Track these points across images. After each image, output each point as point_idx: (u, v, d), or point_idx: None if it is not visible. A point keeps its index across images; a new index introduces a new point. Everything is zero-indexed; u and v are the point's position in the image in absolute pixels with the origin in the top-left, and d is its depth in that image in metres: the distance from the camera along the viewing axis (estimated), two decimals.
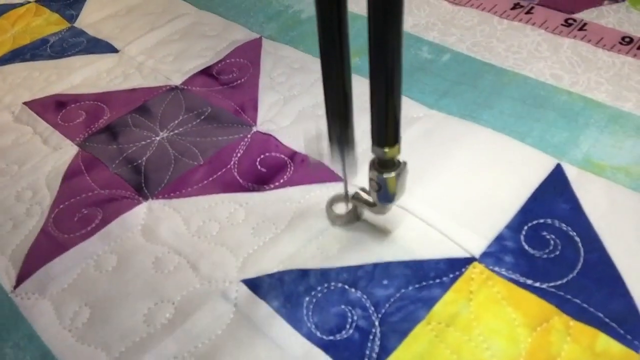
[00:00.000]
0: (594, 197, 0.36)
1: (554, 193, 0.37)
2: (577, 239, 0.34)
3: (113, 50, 0.56)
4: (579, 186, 0.37)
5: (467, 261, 0.33)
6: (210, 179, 0.41)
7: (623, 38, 0.48)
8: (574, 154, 0.39)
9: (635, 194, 0.36)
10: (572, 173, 0.37)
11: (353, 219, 0.36)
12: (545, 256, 0.33)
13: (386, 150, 0.29)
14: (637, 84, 0.43)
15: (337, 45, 0.27)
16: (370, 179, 0.31)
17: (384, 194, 0.31)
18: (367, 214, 0.36)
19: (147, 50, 0.55)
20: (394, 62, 0.25)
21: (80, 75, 0.53)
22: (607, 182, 0.36)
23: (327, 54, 0.28)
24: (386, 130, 0.28)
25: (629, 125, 0.40)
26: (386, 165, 0.30)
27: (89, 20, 0.62)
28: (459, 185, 0.37)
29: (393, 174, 0.30)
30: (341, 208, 0.37)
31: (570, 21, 0.50)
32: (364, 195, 0.34)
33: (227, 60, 0.52)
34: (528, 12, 0.52)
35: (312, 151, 0.34)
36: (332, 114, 0.30)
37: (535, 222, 0.35)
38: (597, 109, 0.41)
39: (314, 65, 0.50)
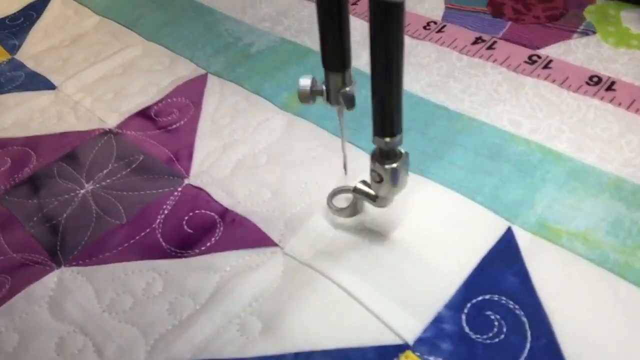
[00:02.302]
0: (547, 269, 0.32)
1: (503, 263, 0.33)
2: (525, 319, 0.30)
3: (50, 86, 0.53)
4: (531, 256, 0.33)
5: (398, 349, 0.30)
6: (132, 241, 0.37)
7: (591, 77, 0.44)
8: (527, 215, 0.35)
9: (592, 267, 0.32)
10: (524, 239, 0.34)
11: (354, 211, 0.35)
12: (488, 341, 0.30)
13: (387, 140, 0.28)
14: (602, 131, 0.40)
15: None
16: (372, 170, 0.31)
17: (386, 185, 0.30)
18: (367, 206, 0.35)
19: (86, 87, 0.52)
20: (396, 52, 0.25)
21: (13, 116, 0.50)
22: (562, 252, 0.33)
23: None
24: (387, 120, 0.28)
25: (590, 182, 0.36)
26: (388, 156, 0.30)
27: (31, 51, 0.58)
28: (397, 254, 0.34)
29: (395, 165, 0.29)
30: (342, 201, 0.36)
31: (534, 58, 0.47)
32: (365, 188, 0.33)
33: (169, 100, 0.49)
34: (490, 48, 0.48)
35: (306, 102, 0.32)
36: (330, 65, 0.30)
37: (480, 298, 0.32)
38: (556, 162, 0.38)
39: (260, 106, 0.46)
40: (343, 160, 0.37)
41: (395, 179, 0.30)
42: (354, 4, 0.56)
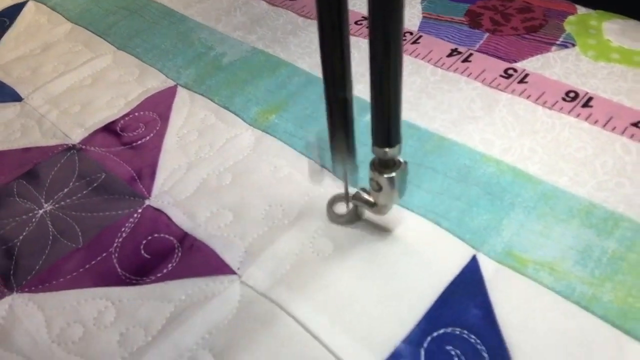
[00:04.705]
0: (511, 301, 0.31)
1: (466, 294, 0.32)
2: (486, 355, 0.29)
3: (17, 98, 0.51)
4: (495, 286, 0.32)
5: None
6: (87, 266, 0.36)
7: (567, 93, 0.43)
8: (494, 243, 0.34)
9: (558, 300, 0.31)
10: (488, 269, 0.32)
11: (353, 218, 0.35)
12: None
13: (387, 150, 0.29)
14: (576, 152, 0.38)
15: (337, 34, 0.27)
16: (371, 179, 0.31)
17: (385, 195, 0.31)
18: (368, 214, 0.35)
19: (53, 100, 0.51)
20: (395, 62, 0.26)
21: None
22: (528, 283, 0.32)
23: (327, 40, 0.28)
24: (387, 130, 0.28)
25: (560, 207, 0.35)
26: (387, 165, 0.30)
27: (1, 60, 0.57)
28: (357, 284, 0.32)
29: (394, 174, 0.30)
30: (342, 208, 0.36)
31: (510, 72, 0.45)
32: (365, 195, 0.33)
33: (136, 114, 0.47)
34: (465, 60, 0.47)
35: (314, 157, 0.35)
36: (332, 121, 0.30)
37: (441, 331, 0.30)
38: (527, 185, 0.36)
39: (229, 122, 0.45)
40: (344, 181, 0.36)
41: (394, 188, 0.31)
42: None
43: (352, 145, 0.31)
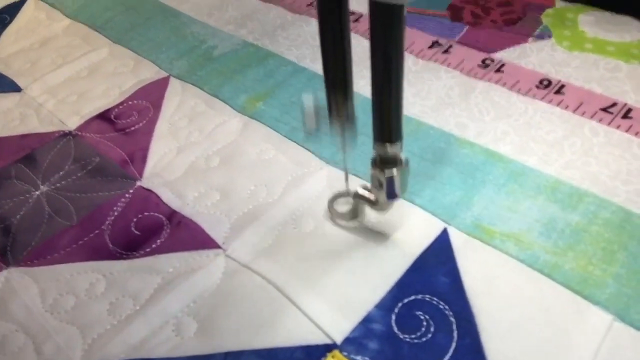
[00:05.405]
0: (478, 269, 0.33)
1: (436, 263, 0.33)
2: (453, 319, 0.31)
3: (16, 89, 0.53)
4: (463, 256, 0.33)
5: (326, 348, 0.30)
6: (80, 242, 0.38)
7: (541, 81, 0.45)
8: (464, 217, 0.35)
9: (521, 268, 0.32)
10: (458, 240, 0.34)
11: (354, 216, 0.35)
12: (415, 340, 0.30)
13: (388, 146, 0.29)
14: (546, 134, 0.40)
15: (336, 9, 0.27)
16: (372, 176, 0.31)
17: (386, 191, 0.31)
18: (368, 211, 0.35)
19: (51, 89, 0.53)
20: (396, 59, 0.26)
21: None
22: (494, 253, 0.33)
23: (326, 19, 0.27)
24: (388, 127, 0.28)
25: (528, 184, 0.37)
26: (388, 162, 0.30)
27: (1, 54, 0.59)
28: (333, 256, 0.34)
29: (395, 171, 0.30)
30: (343, 206, 0.36)
31: (487, 61, 0.47)
32: (366, 193, 0.33)
33: (130, 102, 0.49)
34: (445, 52, 0.49)
35: (310, 124, 0.32)
36: (331, 84, 0.29)
37: (412, 298, 0.32)
38: (498, 164, 0.38)
39: (218, 109, 0.47)
40: (344, 174, 0.36)
41: (395, 184, 0.31)
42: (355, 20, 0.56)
43: (351, 107, 0.30)
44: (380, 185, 0.31)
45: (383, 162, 0.30)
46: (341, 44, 0.28)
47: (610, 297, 0.31)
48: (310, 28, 0.55)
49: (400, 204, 0.36)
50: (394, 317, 0.31)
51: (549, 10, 0.53)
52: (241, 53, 0.53)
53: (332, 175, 0.40)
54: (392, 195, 0.31)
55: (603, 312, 0.30)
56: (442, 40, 0.50)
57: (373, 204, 0.33)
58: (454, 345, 0.30)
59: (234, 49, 0.53)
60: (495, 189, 0.37)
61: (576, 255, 0.33)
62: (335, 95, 0.30)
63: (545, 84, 0.44)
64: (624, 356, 0.28)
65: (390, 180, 0.30)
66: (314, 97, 0.30)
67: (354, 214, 0.36)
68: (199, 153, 0.43)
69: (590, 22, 0.50)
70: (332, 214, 0.36)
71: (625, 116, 0.41)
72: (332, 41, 0.28)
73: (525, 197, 0.36)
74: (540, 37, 0.50)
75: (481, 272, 0.33)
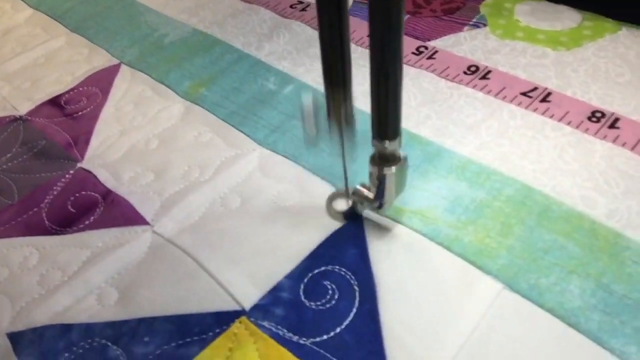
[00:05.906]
0: (383, 243, 0.35)
1: (348, 238, 0.35)
2: (357, 288, 0.33)
3: None
4: (373, 232, 0.36)
5: (235, 315, 0.32)
6: (19, 219, 0.40)
7: (469, 67, 0.47)
8: None
9: (423, 241, 0.34)
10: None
11: (353, 215, 0.36)
12: (320, 307, 0.32)
13: (387, 144, 0.29)
14: (466, 117, 0.42)
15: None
16: (371, 174, 0.31)
17: (385, 189, 0.31)
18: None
19: (7, 77, 0.55)
20: (395, 54, 0.26)
21: None
22: (401, 229, 0.35)
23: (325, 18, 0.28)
24: (387, 123, 0.28)
25: (442, 165, 0.39)
26: (387, 160, 0.30)
27: None
28: (253, 230, 0.36)
29: (394, 169, 0.30)
30: (341, 204, 0.37)
31: (421, 49, 0.49)
32: (364, 191, 0.34)
33: (80, 89, 0.51)
34: None
35: (310, 126, 0.32)
36: (330, 83, 0.29)
37: (322, 269, 0.34)
38: (416, 146, 0.40)
39: (163, 94, 0.49)
40: (344, 174, 0.36)
41: (394, 182, 0.31)
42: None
43: (351, 108, 0.31)
44: (379, 182, 0.31)
45: (382, 159, 0.30)
46: (340, 42, 0.28)
47: (502, 267, 0.33)
48: (258, 16, 0.57)
49: (319, 183, 0.38)
50: (302, 286, 0.33)
51: (488, 0, 0.54)
52: (190, 41, 0.54)
53: (264, 156, 0.42)
54: (387, 193, 0.32)
55: (494, 281, 0.32)
56: None
57: (371, 202, 0.34)
58: (354, 311, 0.32)
59: (183, 37, 0.55)
60: (410, 170, 0.38)
61: (476, 229, 0.35)
62: (334, 95, 0.30)
63: (472, 70, 0.46)
64: (507, 320, 0.30)
65: (390, 178, 0.31)
66: (313, 97, 0.30)
67: (353, 212, 0.36)
68: (140, 136, 0.45)
69: (526, 12, 0.52)
70: (331, 214, 0.36)
71: (544, 100, 0.43)
72: (330, 40, 0.28)
73: (438, 177, 0.38)
74: (476, 25, 0.51)
75: (387, 246, 0.35)
